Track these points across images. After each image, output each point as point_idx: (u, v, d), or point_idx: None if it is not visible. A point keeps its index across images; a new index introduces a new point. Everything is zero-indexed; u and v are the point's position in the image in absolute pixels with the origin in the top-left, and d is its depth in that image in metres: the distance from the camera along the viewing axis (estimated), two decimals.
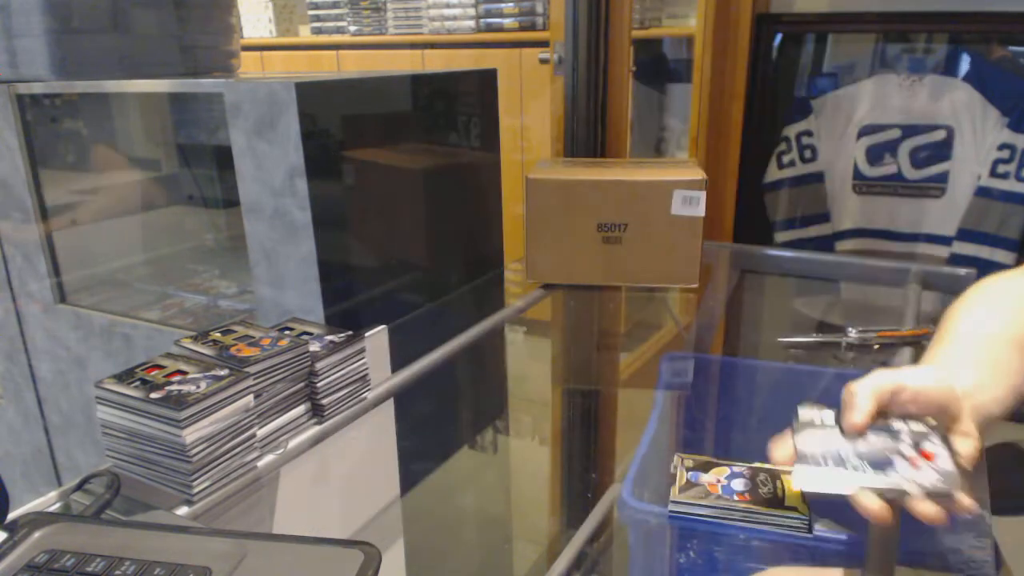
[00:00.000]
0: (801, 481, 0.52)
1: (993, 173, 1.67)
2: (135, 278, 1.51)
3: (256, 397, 0.66)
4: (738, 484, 0.66)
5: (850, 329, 1.00)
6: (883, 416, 0.55)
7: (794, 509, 0.62)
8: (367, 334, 0.79)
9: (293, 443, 0.70)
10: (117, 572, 0.47)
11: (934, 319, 1.17)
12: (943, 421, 0.54)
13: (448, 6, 2.46)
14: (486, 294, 1.34)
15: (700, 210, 1.07)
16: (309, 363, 0.72)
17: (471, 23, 2.44)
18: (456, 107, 1.29)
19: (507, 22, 2.39)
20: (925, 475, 0.50)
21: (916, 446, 0.52)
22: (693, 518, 0.64)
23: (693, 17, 1.97)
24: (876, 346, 0.98)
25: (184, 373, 0.65)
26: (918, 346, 1.03)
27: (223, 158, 1.32)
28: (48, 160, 1.36)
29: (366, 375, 0.77)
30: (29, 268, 1.37)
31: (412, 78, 1.22)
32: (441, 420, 1.29)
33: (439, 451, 1.26)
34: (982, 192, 1.69)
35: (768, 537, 0.62)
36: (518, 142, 2.35)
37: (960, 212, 1.71)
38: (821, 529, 0.62)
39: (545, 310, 1.22)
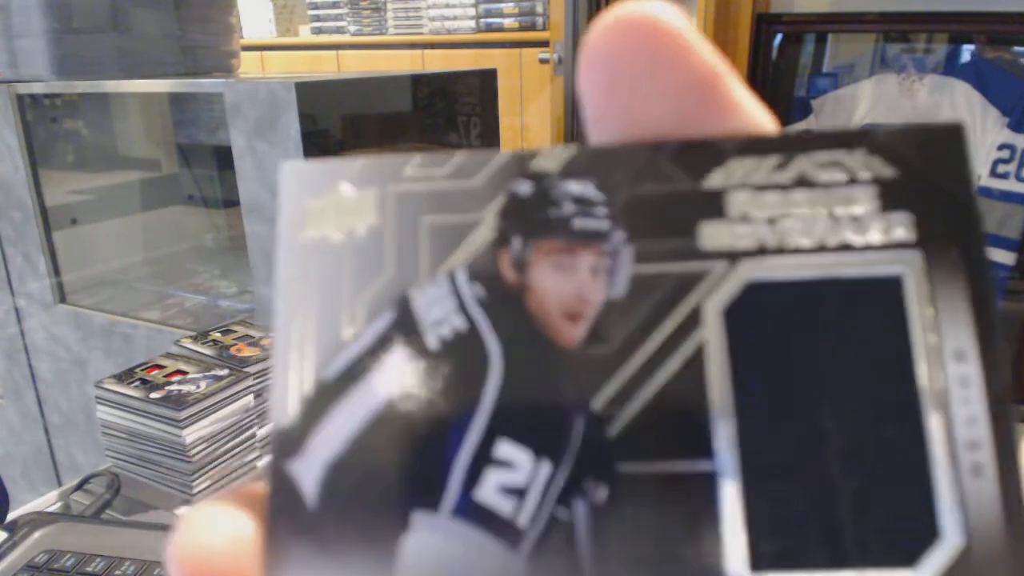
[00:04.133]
0: None
1: (993, 173, 1.67)
2: (135, 278, 1.51)
3: (256, 397, 0.66)
4: None
5: None
6: None
7: None
8: None
9: None
10: (117, 572, 0.47)
11: None
12: None
13: (448, 6, 2.45)
14: None
15: None
16: None
17: (471, 23, 2.44)
18: (456, 107, 1.29)
19: (507, 22, 2.39)
20: None
21: None
22: None
23: (693, 17, 1.97)
24: None
25: (184, 373, 0.65)
26: None
27: (223, 158, 1.32)
28: (48, 160, 1.36)
29: None
30: (29, 268, 1.37)
31: (412, 78, 1.22)
32: None
33: None
34: (982, 192, 1.69)
35: None
36: (518, 142, 2.35)
37: None
38: None
39: None
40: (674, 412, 0.11)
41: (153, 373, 0.65)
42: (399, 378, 0.12)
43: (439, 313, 0.12)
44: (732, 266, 0.11)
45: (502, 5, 2.38)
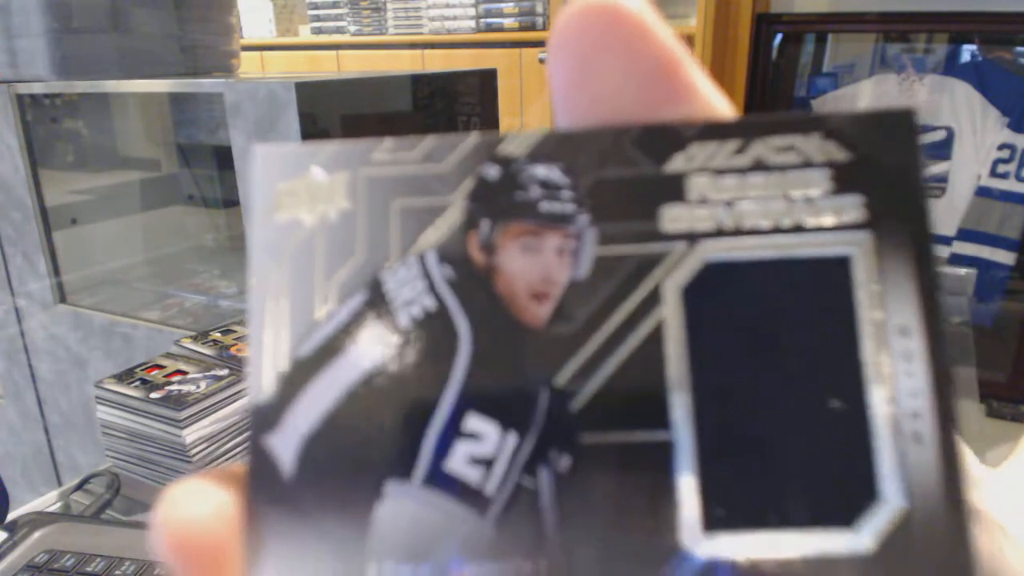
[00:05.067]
0: None
1: (993, 173, 1.67)
2: (135, 278, 1.51)
3: None
4: None
5: None
6: None
7: None
8: None
9: None
10: (117, 572, 0.47)
11: None
12: None
13: (448, 6, 2.45)
14: None
15: None
16: None
17: (471, 23, 2.44)
18: (456, 107, 1.29)
19: (507, 22, 2.39)
20: None
21: None
22: None
23: (693, 17, 1.97)
24: None
25: (184, 373, 0.66)
26: None
27: (223, 158, 1.32)
28: (48, 160, 1.36)
29: None
30: (29, 268, 1.37)
31: (412, 78, 1.22)
32: None
33: None
34: (982, 192, 1.69)
35: None
36: None
37: (960, 212, 1.72)
38: None
39: None
40: (634, 386, 0.11)
41: (153, 373, 0.65)
42: (372, 356, 0.12)
43: (410, 294, 0.12)
44: (691, 247, 0.12)
45: (502, 5, 2.38)
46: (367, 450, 0.12)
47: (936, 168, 1.72)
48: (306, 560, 0.11)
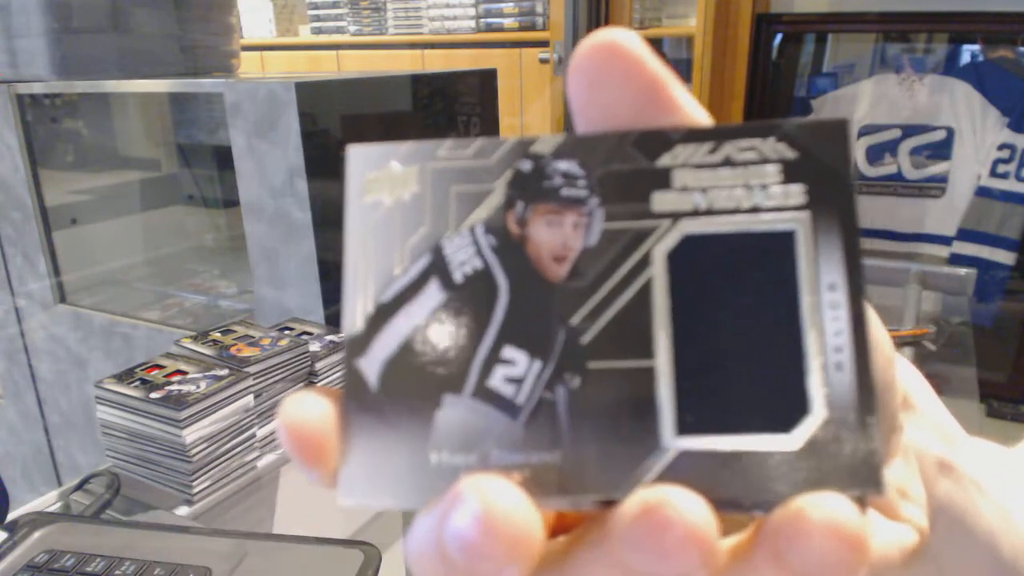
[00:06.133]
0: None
1: (993, 173, 1.67)
2: (135, 278, 1.51)
3: (256, 397, 0.66)
4: None
5: None
6: None
7: None
8: None
9: None
10: (117, 572, 0.47)
11: (934, 319, 1.17)
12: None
13: (448, 6, 2.45)
14: None
15: None
16: (309, 363, 0.72)
17: (471, 23, 2.44)
18: (456, 107, 1.29)
19: (507, 22, 2.39)
20: None
21: None
22: None
23: (693, 17, 1.97)
24: None
25: (184, 373, 0.66)
26: (918, 346, 1.03)
27: (223, 158, 1.32)
28: (48, 160, 1.36)
29: None
30: (29, 268, 1.37)
31: (412, 78, 1.22)
32: None
33: None
34: (982, 192, 1.69)
35: None
36: None
37: (960, 212, 1.71)
38: None
39: None
40: (628, 326, 0.15)
41: (153, 373, 0.65)
42: (435, 302, 0.16)
43: (463, 256, 0.16)
44: (674, 223, 0.15)
45: (502, 5, 2.38)
46: (430, 371, 0.15)
47: (936, 168, 1.72)
48: (385, 450, 0.15)
